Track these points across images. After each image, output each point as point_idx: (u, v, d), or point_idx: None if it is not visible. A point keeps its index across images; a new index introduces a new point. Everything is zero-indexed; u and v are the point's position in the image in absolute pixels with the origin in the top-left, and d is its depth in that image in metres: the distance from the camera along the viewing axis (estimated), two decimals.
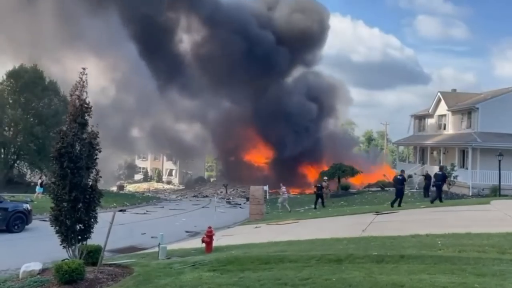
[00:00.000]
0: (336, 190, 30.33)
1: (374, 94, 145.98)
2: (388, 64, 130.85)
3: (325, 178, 31.61)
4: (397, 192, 21.03)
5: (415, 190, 31.41)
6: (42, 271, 8.68)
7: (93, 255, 8.89)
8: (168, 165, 74.37)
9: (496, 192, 26.15)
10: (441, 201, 21.19)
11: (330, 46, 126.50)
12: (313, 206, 28.41)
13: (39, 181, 28.91)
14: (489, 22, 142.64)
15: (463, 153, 30.72)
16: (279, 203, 28.96)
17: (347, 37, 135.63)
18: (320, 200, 28.24)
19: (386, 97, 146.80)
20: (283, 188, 29.30)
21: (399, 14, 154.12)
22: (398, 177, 21.84)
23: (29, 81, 34.43)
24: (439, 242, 10.44)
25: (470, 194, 27.27)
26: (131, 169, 75.14)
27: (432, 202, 21.26)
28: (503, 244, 10.01)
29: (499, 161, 26.16)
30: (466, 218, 15.79)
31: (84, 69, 8.78)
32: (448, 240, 10.73)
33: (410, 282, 6.73)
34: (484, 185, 27.65)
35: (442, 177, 21.89)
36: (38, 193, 27.38)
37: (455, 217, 16.10)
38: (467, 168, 28.80)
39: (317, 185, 28.89)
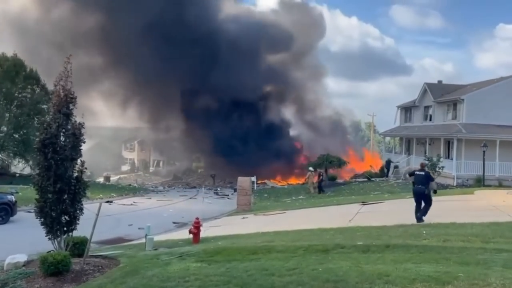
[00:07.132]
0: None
1: (357, 85, 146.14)
2: (369, 55, 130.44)
3: (310, 168, 31.82)
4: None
5: (400, 181, 31.73)
6: (28, 263, 8.58)
7: (79, 247, 8.79)
8: (155, 156, 73.88)
9: (480, 183, 26.56)
10: None
11: (308, 36, 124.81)
12: (300, 196, 29.64)
13: None
14: (464, 12, 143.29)
15: (448, 144, 31.06)
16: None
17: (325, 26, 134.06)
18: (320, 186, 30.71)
19: (370, 87, 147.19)
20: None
21: (374, 3, 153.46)
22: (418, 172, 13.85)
23: (9, 70, 33.51)
24: (424, 232, 10.58)
25: (455, 184, 27.64)
26: (118, 160, 74.53)
27: None
28: (487, 233, 10.19)
29: (484, 151, 26.53)
30: (451, 208, 16.02)
31: (68, 58, 8.62)
32: (433, 230, 10.89)
33: (396, 271, 6.80)
34: (469, 175, 28.04)
35: None
36: None
37: (439, 207, 16.29)
38: (452, 159, 29.12)
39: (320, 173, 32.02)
